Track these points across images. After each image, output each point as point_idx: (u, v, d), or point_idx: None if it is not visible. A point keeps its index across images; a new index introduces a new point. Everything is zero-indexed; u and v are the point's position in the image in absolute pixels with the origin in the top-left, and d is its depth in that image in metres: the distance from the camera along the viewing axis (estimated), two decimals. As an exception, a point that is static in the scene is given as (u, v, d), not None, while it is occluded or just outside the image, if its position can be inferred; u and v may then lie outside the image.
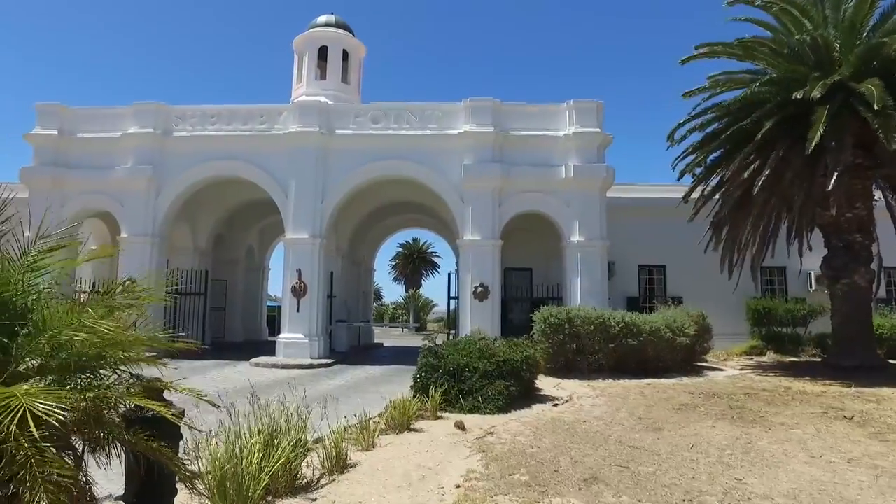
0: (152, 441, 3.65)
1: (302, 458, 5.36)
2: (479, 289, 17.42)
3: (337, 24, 21.71)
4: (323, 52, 21.21)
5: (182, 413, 4.12)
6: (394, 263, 60.58)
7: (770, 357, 17.63)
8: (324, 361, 16.74)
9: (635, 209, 21.17)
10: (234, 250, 25.07)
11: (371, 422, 7.44)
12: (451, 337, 20.85)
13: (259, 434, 5.10)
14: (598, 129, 18.06)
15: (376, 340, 28.93)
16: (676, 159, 15.97)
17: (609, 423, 8.52)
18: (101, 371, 3.60)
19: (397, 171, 18.44)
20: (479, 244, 17.60)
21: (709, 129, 15.33)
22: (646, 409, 9.55)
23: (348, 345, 21.67)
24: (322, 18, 21.82)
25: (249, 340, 25.88)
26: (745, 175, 13.39)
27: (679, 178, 16.17)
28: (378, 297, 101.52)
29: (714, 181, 15.87)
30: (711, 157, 15.46)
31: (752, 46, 13.54)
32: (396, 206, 23.46)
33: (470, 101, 18.23)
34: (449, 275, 20.79)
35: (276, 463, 4.84)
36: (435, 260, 58.92)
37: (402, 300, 61.59)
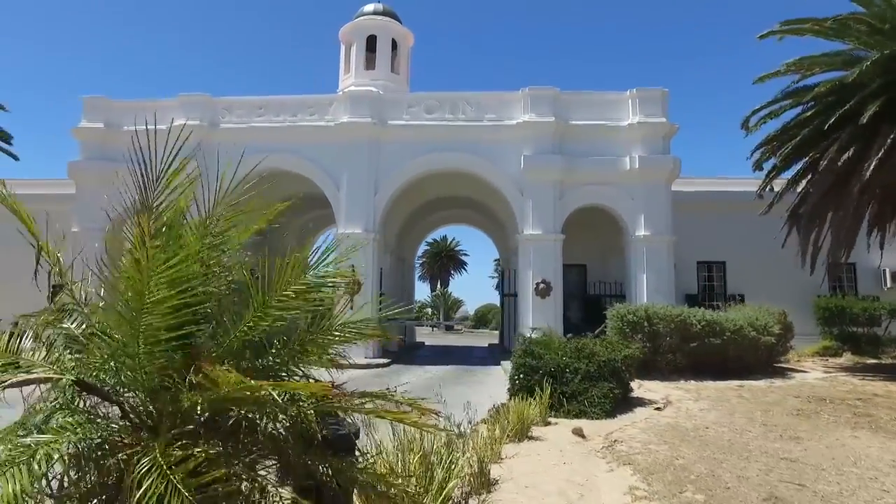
0: (332, 457, 3.05)
1: (456, 477, 4.69)
2: (542, 285, 16.69)
3: (385, 13, 21.05)
4: (371, 42, 20.56)
5: (358, 428, 3.51)
6: (421, 261, 59.91)
7: (848, 358, 16.64)
8: (380, 361, 16.13)
9: (693, 203, 20.23)
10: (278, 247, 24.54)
11: (483, 428, 6.79)
12: (503, 337, 20.17)
13: (413, 452, 4.47)
14: (663, 119, 17.23)
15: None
16: (756, 149, 15.03)
17: (734, 430, 7.75)
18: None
19: (452, 164, 17.75)
20: (541, 239, 16.87)
21: (788, 116, 14.44)
22: (763, 415, 8.76)
23: (396, 344, 21.01)
24: (369, 7, 21.18)
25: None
26: (840, 163, 12.47)
27: (755, 170, 15.28)
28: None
29: (793, 171, 14.95)
30: (792, 144, 14.55)
31: (847, 23, 12.60)
32: (444, 202, 22.76)
33: (529, 90, 17.48)
34: (502, 272, 20.09)
35: (442, 482, 4.18)
36: (463, 258, 58.22)
37: (428, 299, 60.88)
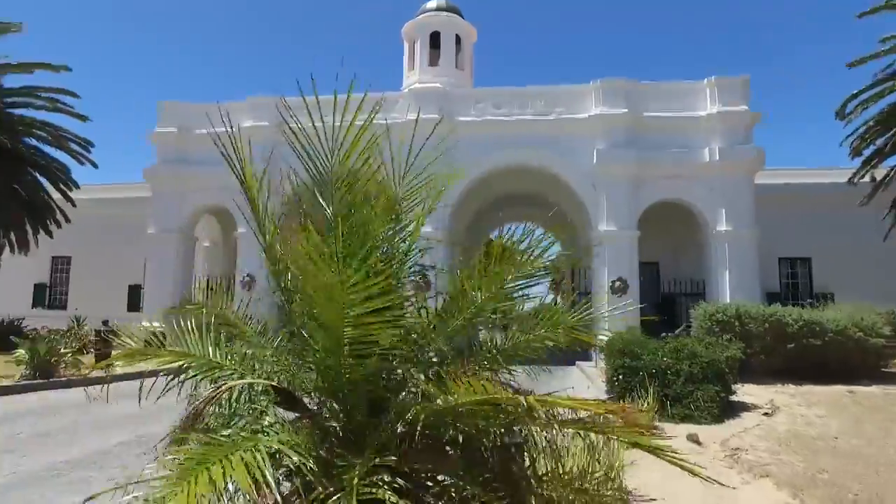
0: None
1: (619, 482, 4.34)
2: (618, 283, 16.08)
3: (448, 8, 20.83)
4: (434, 38, 20.37)
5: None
6: (474, 261, 59.51)
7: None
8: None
9: (773, 196, 19.09)
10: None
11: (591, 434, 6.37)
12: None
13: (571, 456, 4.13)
14: (744, 107, 16.32)
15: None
16: (852, 134, 14.01)
17: (870, 442, 7.05)
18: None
19: (521, 160, 17.35)
20: (616, 235, 16.26)
21: (892, 99, 13.39)
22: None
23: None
24: (432, 3, 21.01)
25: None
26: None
27: (853, 157, 14.27)
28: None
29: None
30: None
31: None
32: (509, 199, 22.31)
33: (600, 82, 16.90)
34: (572, 270, 19.51)
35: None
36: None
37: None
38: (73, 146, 18.63)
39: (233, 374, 2.40)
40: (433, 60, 20.36)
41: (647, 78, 17.31)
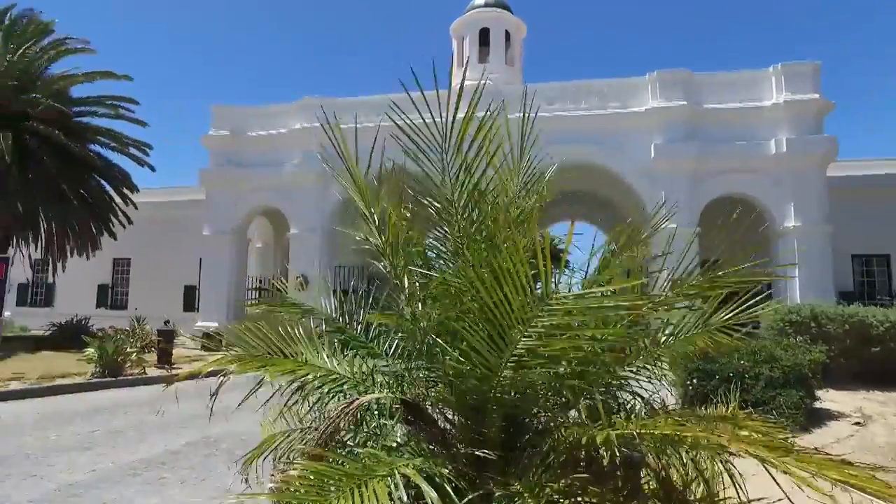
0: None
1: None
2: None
3: (497, 4, 20.53)
4: (483, 35, 20.11)
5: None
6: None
7: None
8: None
9: (845, 189, 18.02)
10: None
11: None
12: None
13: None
14: (815, 95, 15.43)
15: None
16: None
17: (979, 452, 6.44)
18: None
19: (575, 156, 16.80)
20: (676, 234, 15.60)
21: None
22: None
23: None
24: (480, -1, 20.79)
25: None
26: None
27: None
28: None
29: None
30: None
31: None
32: (559, 199, 21.86)
33: (657, 74, 16.30)
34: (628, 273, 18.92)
35: None
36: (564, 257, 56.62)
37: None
38: (133, 150, 19.22)
39: (357, 386, 2.20)
40: (482, 57, 20.10)
41: (705, 69, 16.51)
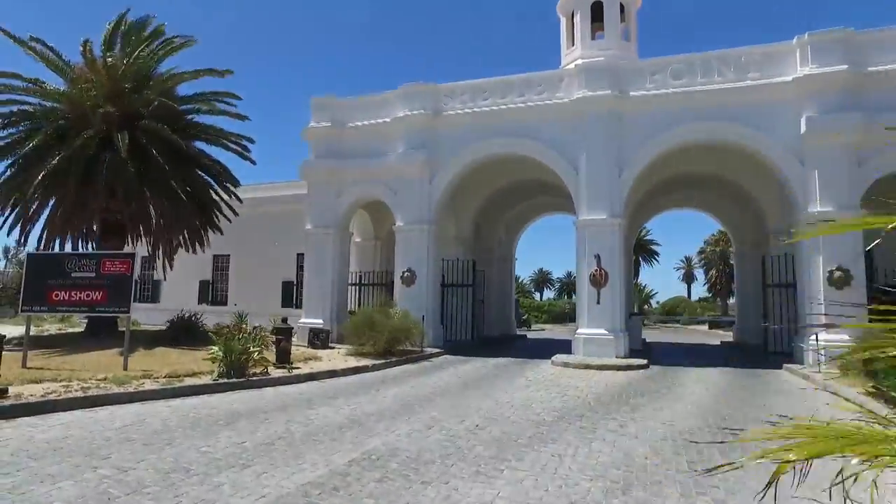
0: None
1: None
2: (837, 273, 13.53)
3: (609, -26, 18.99)
4: (595, 10, 18.64)
5: None
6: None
7: None
8: (635, 362, 14.15)
9: None
10: (489, 239, 23.71)
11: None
12: (766, 336, 17.07)
13: None
14: None
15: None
16: None
17: None
18: None
19: (707, 135, 15.23)
20: (833, 217, 13.67)
21: None
22: None
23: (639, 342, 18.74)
24: (591, -29, 19.26)
25: (505, 335, 24.50)
26: None
27: None
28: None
29: None
30: None
31: None
32: (676, 183, 20.09)
33: (808, 37, 14.32)
34: (763, 258, 17.00)
35: None
36: (654, 248, 53.92)
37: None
38: (233, 145, 19.14)
39: None
40: (594, 34, 18.64)
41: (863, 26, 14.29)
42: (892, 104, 13.57)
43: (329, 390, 10.16)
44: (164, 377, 9.97)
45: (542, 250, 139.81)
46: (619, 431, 7.23)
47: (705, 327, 45.31)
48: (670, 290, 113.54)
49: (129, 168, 15.53)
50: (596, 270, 15.09)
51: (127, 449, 5.84)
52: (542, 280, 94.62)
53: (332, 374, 11.84)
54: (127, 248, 17.89)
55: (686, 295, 72.59)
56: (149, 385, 9.19)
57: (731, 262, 55.54)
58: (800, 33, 14.65)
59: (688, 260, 74.93)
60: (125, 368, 10.59)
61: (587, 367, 13.73)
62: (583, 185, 15.62)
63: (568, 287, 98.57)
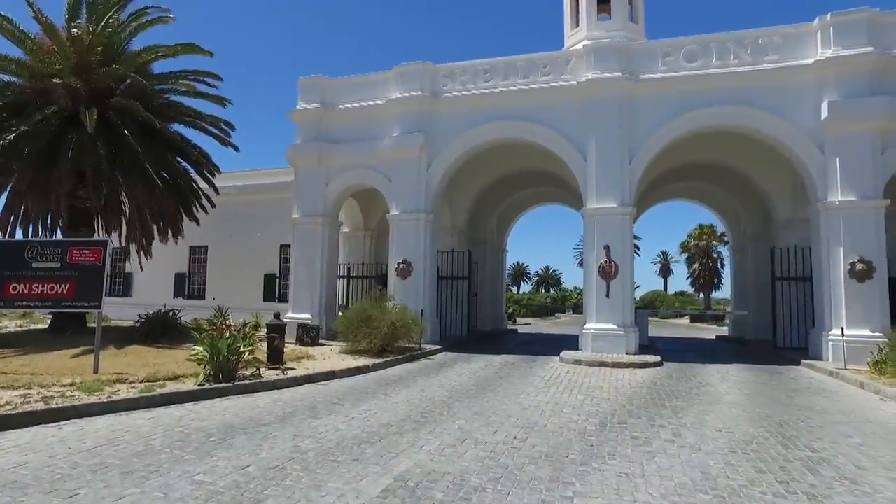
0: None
1: None
2: (859, 265, 12.91)
3: (614, -47, 18.07)
4: (602, -12, 17.76)
5: None
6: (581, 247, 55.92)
7: None
8: (649, 359, 13.32)
9: None
10: (483, 230, 22.70)
11: None
12: (775, 331, 16.45)
13: None
14: None
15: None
16: None
17: None
18: None
19: (722, 119, 14.49)
20: (853, 207, 13.09)
21: None
22: None
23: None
24: (596, -52, 18.32)
25: (497, 329, 23.57)
26: None
27: None
28: (557, 281, 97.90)
29: None
30: None
31: None
32: (682, 171, 19.33)
33: (831, 17, 13.64)
34: (772, 250, 16.36)
35: None
36: (636, 243, 53.58)
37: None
38: (213, 129, 17.79)
39: None
40: (600, 14, 17.74)
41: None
42: (917, 89, 12.99)
43: (331, 395, 9.09)
44: (142, 381, 8.78)
45: (520, 245, 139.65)
46: (676, 442, 6.35)
47: (685, 320, 45.28)
48: (646, 284, 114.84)
49: (99, 149, 14.14)
50: (605, 262, 14.24)
51: (100, 480, 4.69)
52: (518, 274, 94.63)
53: (330, 375, 10.75)
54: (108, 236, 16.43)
55: (662, 289, 73.36)
56: (124, 392, 7.99)
57: (715, 255, 55.81)
58: (809, 18, 14.04)
59: (664, 254, 75.91)
60: (96, 371, 9.36)
61: (601, 364, 12.91)
62: (591, 173, 14.75)
63: (545, 281, 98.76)
